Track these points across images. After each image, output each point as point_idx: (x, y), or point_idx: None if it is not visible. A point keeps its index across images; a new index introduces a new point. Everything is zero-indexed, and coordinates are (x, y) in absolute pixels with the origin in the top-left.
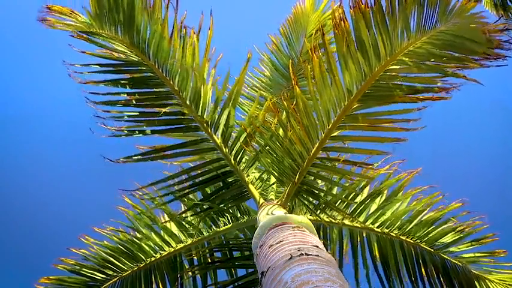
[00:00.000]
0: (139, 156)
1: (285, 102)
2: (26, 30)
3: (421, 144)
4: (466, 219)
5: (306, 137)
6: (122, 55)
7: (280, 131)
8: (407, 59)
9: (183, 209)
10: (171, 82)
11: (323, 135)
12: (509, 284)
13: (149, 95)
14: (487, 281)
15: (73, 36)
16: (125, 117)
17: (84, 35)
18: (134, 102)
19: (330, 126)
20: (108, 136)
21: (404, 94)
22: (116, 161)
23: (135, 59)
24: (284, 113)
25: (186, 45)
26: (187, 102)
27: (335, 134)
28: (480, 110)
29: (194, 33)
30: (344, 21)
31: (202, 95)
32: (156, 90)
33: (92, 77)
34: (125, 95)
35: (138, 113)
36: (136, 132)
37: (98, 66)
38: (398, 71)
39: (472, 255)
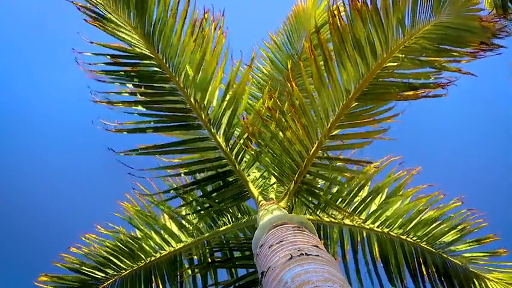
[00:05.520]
0: (140, 151)
1: (286, 101)
2: (26, 29)
3: (420, 143)
4: (466, 218)
5: (305, 136)
6: (128, 47)
7: (280, 131)
8: (403, 55)
9: (183, 209)
10: (177, 78)
11: (322, 134)
12: (507, 283)
13: (153, 91)
14: (486, 280)
15: (85, 20)
16: (128, 113)
17: (97, 21)
18: (138, 97)
19: (329, 125)
20: (110, 131)
21: (402, 91)
22: (118, 153)
23: (142, 51)
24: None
25: (196, 41)
26: (192, 100)
27: (334, 133)
28: (480, 109)
29: (207, 28)
30: (340, 20)
31: (207, 93)
32: (160, 85)
33: (96, 69)
34: (129, 91)
35: (141, 109)
36: (138, 129)
37: (104, 57)
38: (395, 68)
39: (472, 254)
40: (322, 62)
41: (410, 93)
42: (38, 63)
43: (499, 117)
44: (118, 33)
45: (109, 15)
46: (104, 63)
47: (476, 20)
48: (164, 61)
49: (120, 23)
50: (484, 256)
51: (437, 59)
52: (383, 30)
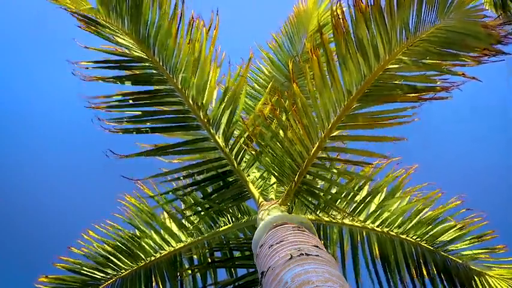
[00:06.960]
0: (140, 153)
1: (286, 101)
2: (26, 29)
3: (421, 144)
4: (465, 216)
5: (305, 136)
6: (125, 50)
7: (281, 131)
8: (406, 57)
9: (183, 208)
10: (175, 80)
11: (323, 135)
12: (507, 278)
13: (151, 93)
14: (486, 276)
15: (80, 26)
16: (126, 115)
17: (91, 27)
18: (136, 100)
19: (330, 126)
20: (109, 132)
21: (404, 93)
22: (117, 155)
23: (138, 54)
24: (284, 112)
25: (192, 42)
26: (190, 101)
27: (335, 134)
28: (480, 110)
29: (201, 29)
30: (343, 21)
31: (205, 93)
32: (158, 87)
33: (93, 73)
34: (127, 93)
35: (139, 111)
36: (138, 130)
37: (101, 63)
38: (397, 70)
39: (472, 252)
40: (324, 63)
41: (413, 95)
42: (38, 63)
43: (499, 121)
44: (114, 37)
45: (102, 22)
46: (100, 67)
47: (480, 26)
48: (161, 63)
49: (114, 29)
50: (484, 253)
51: (441, 62)
52: (386, 32)
